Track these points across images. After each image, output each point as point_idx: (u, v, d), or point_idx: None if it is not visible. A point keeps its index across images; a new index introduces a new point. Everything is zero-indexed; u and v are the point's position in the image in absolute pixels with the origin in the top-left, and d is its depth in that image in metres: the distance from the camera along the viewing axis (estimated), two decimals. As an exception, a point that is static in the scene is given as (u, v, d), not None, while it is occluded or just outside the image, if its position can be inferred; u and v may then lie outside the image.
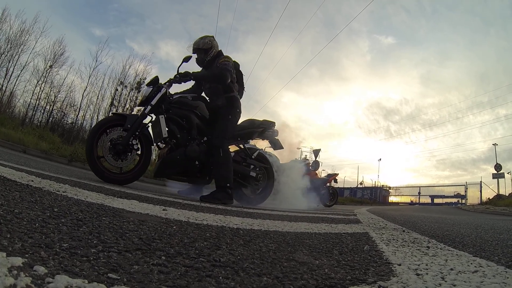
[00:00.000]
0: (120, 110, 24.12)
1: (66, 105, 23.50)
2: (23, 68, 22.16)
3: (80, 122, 24.05)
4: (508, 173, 24.87)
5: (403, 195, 35.71)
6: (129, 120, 3.45)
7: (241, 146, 4.43)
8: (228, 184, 3.55)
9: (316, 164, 11.83)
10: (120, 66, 25.41)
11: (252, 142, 4.73)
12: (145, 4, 43.16)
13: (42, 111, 22.96)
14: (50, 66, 23.06)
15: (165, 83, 3.73)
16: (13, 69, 21.79)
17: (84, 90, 24.40)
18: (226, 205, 3.33)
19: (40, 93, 22.48)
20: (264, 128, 4.56)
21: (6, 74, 21.15)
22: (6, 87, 21.49)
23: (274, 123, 4.77)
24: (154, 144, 3.71)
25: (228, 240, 1.22)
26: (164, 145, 3.81)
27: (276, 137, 4.82)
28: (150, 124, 3.65)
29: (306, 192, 6.28)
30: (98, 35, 35.19)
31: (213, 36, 4.00)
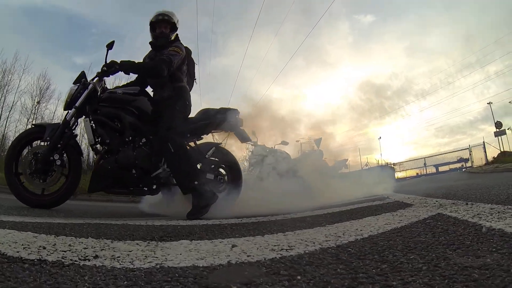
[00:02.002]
0: None
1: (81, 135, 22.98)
2: (11, 108, 21.63)
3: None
4: (508, 129, 24.84)
5: (407, 169, 35.66)
6: (48, 131, 2.93)
7: (192, 143, 3.54)
8: (196, 182, 2.93)
9: (320, 153, 11.59)
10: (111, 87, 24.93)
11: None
12: (120, 24, 42.75)
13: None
14: (38, 102, 22.59)
15: (92, 79, 3.13)
16: (1, 111, 21.35)
17: None
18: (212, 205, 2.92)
19: (33, 130, 21.94)
20: (222, 118, 3.60)
21: None
22: None
23: (236, 110, 3.79)
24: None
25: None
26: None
27: (241, 127, 3.85)
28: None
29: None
30: (81, 63, 34.52)
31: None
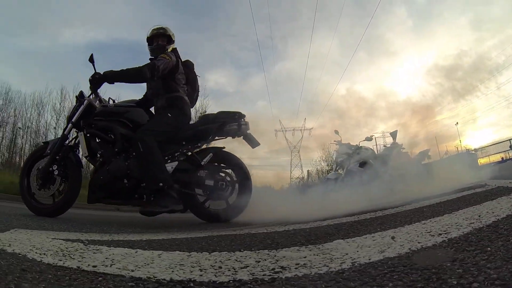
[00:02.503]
0: None
1: None
2: None
3: None
4: None
5: (490, 154, 32.06)
6: (50, 145, 3.19)
7: (189, 152, 3.45)
8: (161, 184, 2.91)
9: (394, 134, 11.08)
10: None
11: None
12: (180, 44, 46.01)
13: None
14: None
15: (88, 96, 3.30)
16: None
17: None
18: (174, 212, 2.99)
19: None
20: (222, 123, 3.46)
21: None
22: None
23: (240, 113, 3.62)
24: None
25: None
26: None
27: (248, 131, 3.64)
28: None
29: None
30: None
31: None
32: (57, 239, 1.66)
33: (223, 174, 3.42)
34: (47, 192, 3.16)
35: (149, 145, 2.97)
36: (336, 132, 6.10)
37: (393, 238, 1.36)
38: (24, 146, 24.11)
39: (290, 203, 3.93)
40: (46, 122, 24.02)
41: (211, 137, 3.47)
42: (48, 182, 3.14)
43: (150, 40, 3.50)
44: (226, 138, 3.60)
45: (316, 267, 1.04)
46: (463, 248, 1.06)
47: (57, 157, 3.15)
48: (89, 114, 3.24)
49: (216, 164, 3.44)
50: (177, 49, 3.54)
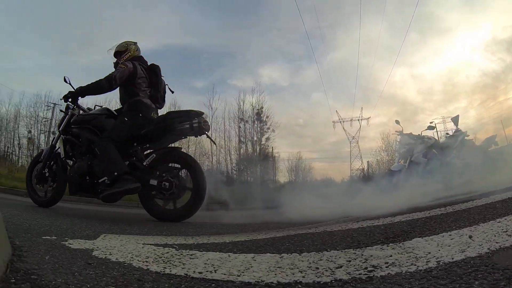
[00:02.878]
0: (249, 145, 25.95)
1: (199, 155, 26.69)
2: None
3: (215, 167, 26.82)
4: None
5: None
6: (43, 153, 4.16)
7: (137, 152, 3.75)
8: (115, 173, 3.31)
9: (456, 118, 10.35)
10: (235, 105, 27.78)
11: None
12: (228, 44, 46.93)
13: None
14: None
15: (72, 108, 4.00)
16: None
17: (211, 137, 27.61)
18: (132, 192, 3.35)
19: (173, 152, 26.43)
20: (170, 123, 3.53)
21: None
22: None
23: (195, 111, 3.62)
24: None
25: None
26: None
27: (208, 132, 3.66)
28: None
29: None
30: (201, 86, 40.52)
31: (135, 42, 4.08)
32: (147, 244, 1.84)
33: (172, 176, 3.51)
34: (43, 188, 4.11)
35: (103, 146, 3.45)
36: (397, 122, 5.98)
37: (470, 237, 1.48)
38: None
39: (354, 197, 4.05)
40: None
41: (164, 137, 3.67)
42: (42, 181, 4.08)
43: (115, 57, 4.07)
44: (185, 138, 4.10)
45: (405, 266, 1.18)
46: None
47: (47, 162, 4.06)
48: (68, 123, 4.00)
49: (170, 165, 3.63)
50: (142, 59, 4.01)
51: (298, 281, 1.11)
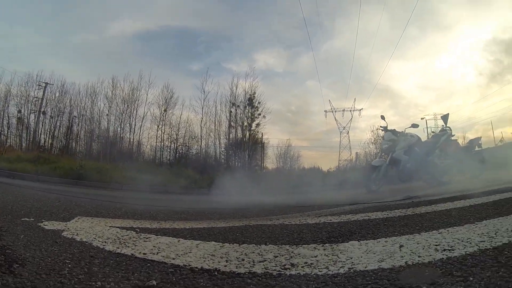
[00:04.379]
0: (239, 130, 26.21)
1: (188, 139, 26.92)
2: (143, 119, 26.77)
3: (204, 151, 27.17)
4: None
5: None
6: None
7: None
8: None
9: (446, 117, 10.47)
10: (227, 90, 27.71)
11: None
12: (226, 27, 46.02)
13: (168, 150, 27.00)
14: (165, 110, 27.05)
15: None
16: (135, 122, 26.57)
17: (201, 121, 27.54)
18: None
19: (162, 135, 26.57)
20: None
21: (130, 128, 26.04)
22: (133, 139, 26.29)
23: None
24: None
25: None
26: None
27: None
28: None
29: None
30: (197, 69, 40.09)
31: None
32: (114, 227, 2.06)
33: None
34: None
35: None
36: (382, 117, 6.05)
37: (401, 247, 1.50)
38: (79, 133, 27.07)
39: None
40: (100, 110, 26.29)
41: None
42: None
43: None
44: None
45: (318, 268, 1.26)
46: (451, 272, 1.12)
47: None
48: None
49: None
50: None
51: (218, 268, 1.28)
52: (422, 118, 33.58)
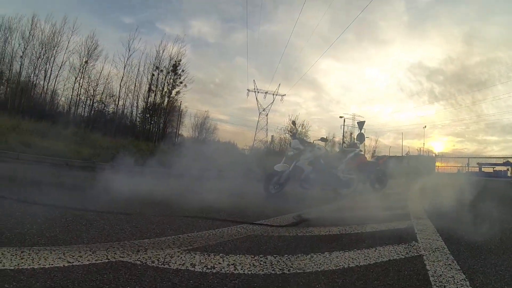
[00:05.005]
0: (158, 95, 24.84)
1: (106, 96, 24.70)
2: (60, 67, 23.75)
3: (120, 111, 25.23)
4: None
5: (449, 164, 35.24)
6: None
7: None
8: None
9: (361, 136, 11.42)
10: (154, 52, 26.05)
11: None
12: None
13: (84, 106, 24.40)
14: (86, 62, 24.46)
15: None
16: (51, 70, 23.35)
17: (121, 80, 25.51)
18: None
19: (79, 88, 23.86)
20: None
21: (45, 76, 22.81)
22: (47, 88, 23.13)
23: None
24: None
25: None
26: None
27: None
28: None
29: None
30: (128, 22, 36.43)
31: None
32: None
33: None
34: None
35: None
36: (293, 122, 6.18)
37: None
38: None
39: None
40: (13, 50, 22.56)
41: None
42: None
43: None
44: None
45: None
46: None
47: None
48: None
49: None
50: None
51: None
52: (341, 117, 36.53)
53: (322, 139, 6.23)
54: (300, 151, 5.49)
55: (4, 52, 22.64)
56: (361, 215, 3.75)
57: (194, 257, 1.79)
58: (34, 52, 23.05)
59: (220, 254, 1.88)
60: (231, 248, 2.03)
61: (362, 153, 6.97)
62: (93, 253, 1.71)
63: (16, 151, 7.34)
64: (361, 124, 7.68)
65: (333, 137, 37.98)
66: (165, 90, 26.28)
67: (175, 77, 26.44)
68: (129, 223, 2.52)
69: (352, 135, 35.32)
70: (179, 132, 29.56)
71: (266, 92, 38.38)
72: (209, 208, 3.33)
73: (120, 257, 1.69)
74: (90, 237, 2.04)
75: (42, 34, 23.32)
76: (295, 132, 5.67)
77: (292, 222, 3.05)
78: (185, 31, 53.11)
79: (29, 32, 22.87)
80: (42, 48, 23.21)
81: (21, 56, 22.65)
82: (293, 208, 3.83)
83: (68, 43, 24.00)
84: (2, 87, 22.79)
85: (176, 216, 2.95)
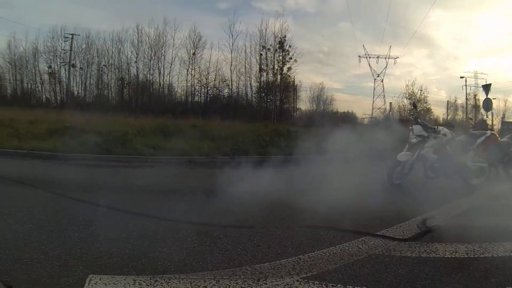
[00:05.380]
0: (270, 74, 25.67)
1: (219, 82, 26.78)
2: (171, 63, 26.71)
3: (236, 94, 27.06)
4: None
5: None
6: None
7: None
8: None
9: (489, 103, 9.53)
10: (257, 32, 26.89)
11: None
12: None
13: (200, 94, 27.08)
14: (193, 53, 26.81)
15: None
16: (163, 67, 26.69)
17: (231, 64, 27.19)
18: None
19: (192, 79, 26.53)
20: None
21: (159, 73, 26.11)
22: (163, 83, 26.56)
23: None
24: None
25: None
26: None
27: None
28: None
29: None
30: (223, 8, 38.23)
31: None
32: None
33: None
34: None
35: None
36: (414, 105, 5.51)
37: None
38: (110, 82, 27.42)
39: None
40: (127, 58, 26.18)
41: None
42: None
43: None
44: None
45: None
46: None
47: None
48: None
49: None
50: None
51: None
52: (461, 77, 31.22)
53: (448, 124, 5.52)
54: (424, 138, 5.00)
55: (120, 61, 26.51)
56: (493, 222, 3.20)
57: (312, 288, 1.83)
58: (145, 56, 26.56)
59: (338, 285, 1.91)
60: (350, 276, 2.05)
61: (494, 132, 5.88)
62: (216, 282, 1.85)
63: (145, 154, 7.73)
64: (486, 88, 6.36)
65: (455, 100, 32.90)
66: (276, 67, 26.63)
67: (284, 53, 26.55)
68: (251, 240, 2.63)
69: (476, 97, 31.17)
70: (297, 106, 29.81)
71: (378, 57, 35.25)
72: (331, 211, 3.24)
73: (241, 287, 1.81)
74: (214, 261, 2.19)
75: (148, 38, 26.83)
76: (417, 116, 5.03)
77: (416, 234, 2.88)
78: (281, 4, 52.37)
79: (137, 39, 26.46)
80: (151, 51, 26.70)
81: (135, 61, 26.52)
82: (417, 207, 3.58)
83: (173, 40, 26.79)
84: (125, 90, 27.20)
85: (298, 227, 2.99)
